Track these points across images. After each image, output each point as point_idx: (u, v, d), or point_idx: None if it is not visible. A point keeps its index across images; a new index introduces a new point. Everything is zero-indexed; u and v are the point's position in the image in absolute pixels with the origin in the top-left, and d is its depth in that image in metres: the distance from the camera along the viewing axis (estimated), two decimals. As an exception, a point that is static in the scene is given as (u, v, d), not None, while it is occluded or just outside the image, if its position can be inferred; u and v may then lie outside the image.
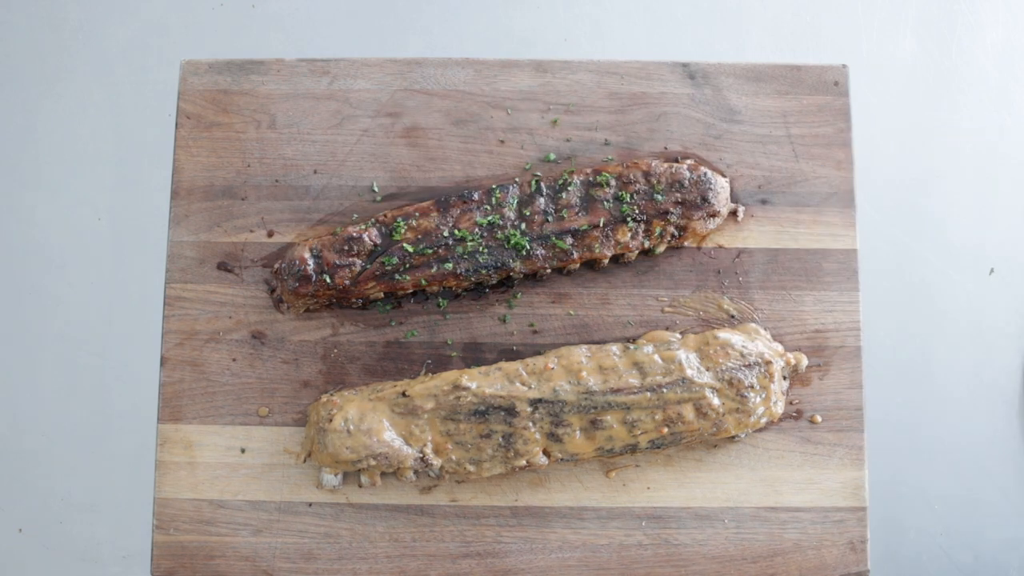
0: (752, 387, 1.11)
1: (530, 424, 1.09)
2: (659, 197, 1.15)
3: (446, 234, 1.14)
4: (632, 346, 1.13)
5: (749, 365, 1.12)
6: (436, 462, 1.09)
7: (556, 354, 1.13)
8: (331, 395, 1.13)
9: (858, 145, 1.21)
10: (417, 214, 1.14)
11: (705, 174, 1.17)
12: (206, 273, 1.18)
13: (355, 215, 1.19)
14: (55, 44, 2.01)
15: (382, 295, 1.16)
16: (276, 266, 1.17)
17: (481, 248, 1.14)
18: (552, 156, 1.20)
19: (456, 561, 1.13)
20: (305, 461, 1.15)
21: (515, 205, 1.15)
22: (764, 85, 1.21)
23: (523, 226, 1.14)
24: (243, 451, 1.15)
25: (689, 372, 1.11)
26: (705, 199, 1.16)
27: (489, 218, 1.14)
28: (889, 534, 1.77)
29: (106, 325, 1.88)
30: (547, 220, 1.15)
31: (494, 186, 1.16)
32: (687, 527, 1.14)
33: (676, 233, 1.17)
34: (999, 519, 1.79)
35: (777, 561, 1.13)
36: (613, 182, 1.16)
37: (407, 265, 1.13)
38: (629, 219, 1.15)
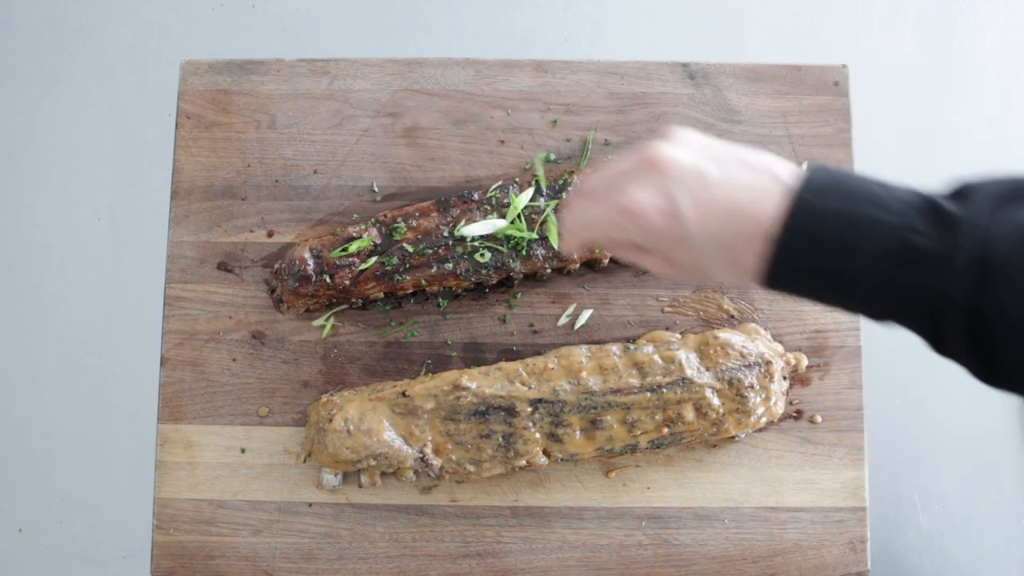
0: (752, 387, 1.11)
1: (530, 424, 1.09)
2: (659, 197, 1.15)
3: (446, 234, 1.14)
4: (632, 346, 1.13)
5: (749, 365, 1.12)
6: (436, 462, 1.09)
7: (556, 354, 1.13)
8: (331, 395, 1.13)
9: (858, 145, 1.21)
10: (417, 214, 1.14)
11: (705, 174, 1.16)
12: (206, 273, 1.18)
13: (355, 215, 1.19)
14: (55, 44, 2.01)
15: (382, 295, 1.16)
16: (276, 266, 1.17)
17: (481, 248, 1.14)
18: (552, 156, 1.20)
19: (456, 561, 1.13)
20: (305, 461, 1.15)
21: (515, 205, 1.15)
22: (764, 85, 1.21)
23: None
24: (243, 451, 1.15)
25: (689, 372, 1.11)
26: (705, 199, 1.16)
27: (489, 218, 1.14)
28: (889, 534, 1.77)
29: (106, 325, 1.88)
30: (547, 220, 1.15)
31: (494, 186, 1.16)
32: (687, 527, 1.14)
33: (676, 233, 1.17)
34: (999, 519, 1.79)
35: (777, 561, 1.13)
36: (613, 182, 1.16)
37: (407, 265, 1.13)
38: (629, 219, 1.15)
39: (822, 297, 0.73)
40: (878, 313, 0.71)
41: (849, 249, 0.68)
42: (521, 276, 1.16)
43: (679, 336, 1.16)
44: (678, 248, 0.75)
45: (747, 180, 0.72)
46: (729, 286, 0.77)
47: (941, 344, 0.70)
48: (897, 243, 0.67)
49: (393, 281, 1.14)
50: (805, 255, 0.70)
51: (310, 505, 1.14)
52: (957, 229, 0.66)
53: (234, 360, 1.17)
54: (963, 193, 0.69)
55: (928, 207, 0.68)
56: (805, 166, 0.72)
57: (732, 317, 1.19)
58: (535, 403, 1.09)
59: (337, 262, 1.13)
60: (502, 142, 1.21)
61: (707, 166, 0.73)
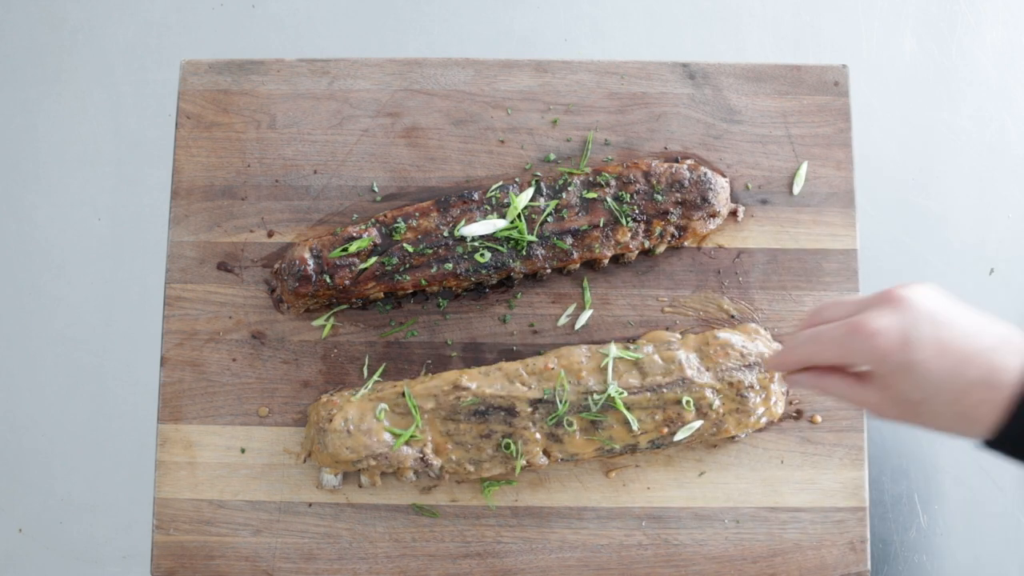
0: (752, 387, 1.11)
1: (530, 424, 1.09)
2: (659, 197, 1.15)
3: (446, 234, 1.14)
4: (632, 346, 1.13)
5: (749, 365, 1.12)
6: (436, 462, 1.09)
7: (556, 354, 1.13)
8: (331, 395, 1.13)
9: (858, 145, 1.21)
10: (417, 214, 1.14)
11: (705, 174, 1.17)
12: (206, 273, 1.18)
13: (355, 215, 1.19)
14: (55, 44, 2.00)
15: (382, 295, 1.16)
16: (276, 266, 1.17)
17: (481, 248, 1.14)
18: (552, 156, 1.20)
19: (456, 561, 1.13)
20: (305, 461, 1.15)
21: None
22: (764, 85, 1.21)
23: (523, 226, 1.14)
24: (243, 451, 1.15)
25: (689, 372, 1.11)
26: (705, 199, 1.16)
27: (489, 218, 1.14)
28: (889, 534, 1.77)
29: (106, 325, 1.87)
30: (547, 220, 1.15)
31: (494, 186, 1.16)
32: (687, 527, 1.14)
33: (676, 233, 1.17)
34: (999, 519, 1.79)
35: (777, 561, 1.13)
36: (613, 182, 1.16)
37: (407, 265, 1.13)
38: (629, 219, 1.15)
39: None
40: None
41: None
42: (521, 276, 1.16)
43: (679, 336, 1.16)
44: (903, 377, 0.73)
45: (989, 334, 0.72)
46: (942, 431, 0.75)
47: None
48: None
49: (393, 281, 1.14)
50: None
51: (310, 505, 1.14)
52: None
53: (234, 360, 1.17)
54: None
55: None
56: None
57: (732, 317, 1.19)
58: (535, 403, 1.09)
59: (337, 262, 1.13)
60: (502, 142, 1.21)
61: (950, 312, 0.73)
